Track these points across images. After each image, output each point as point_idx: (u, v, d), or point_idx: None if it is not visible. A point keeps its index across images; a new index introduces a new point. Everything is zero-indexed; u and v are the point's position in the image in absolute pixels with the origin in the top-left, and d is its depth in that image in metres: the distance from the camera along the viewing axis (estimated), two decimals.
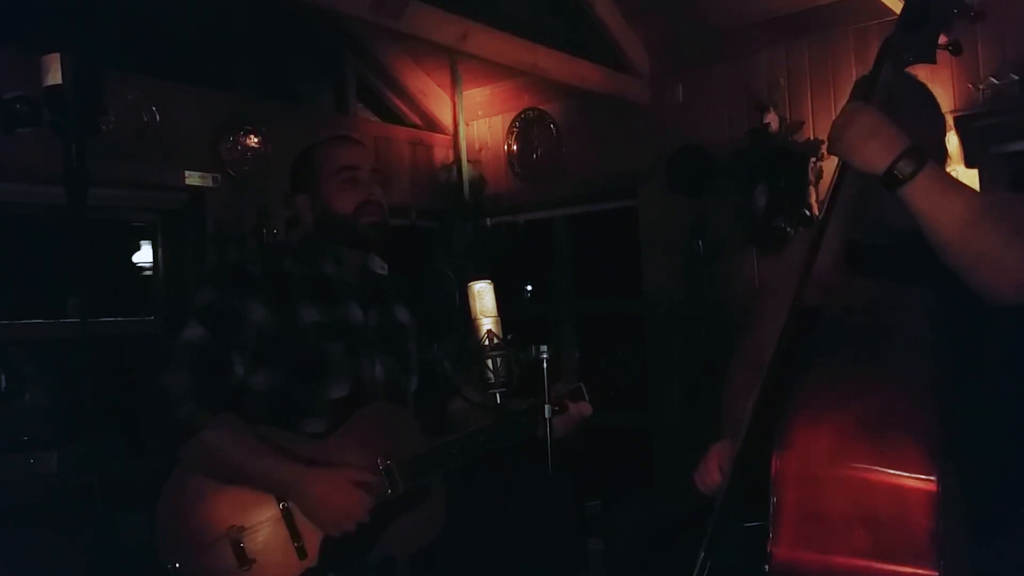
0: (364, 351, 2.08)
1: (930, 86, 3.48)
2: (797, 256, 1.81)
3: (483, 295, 2.03)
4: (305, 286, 2.05)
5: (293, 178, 2.20)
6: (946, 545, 1.28)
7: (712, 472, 1.71)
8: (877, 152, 1.45)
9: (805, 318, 1.48)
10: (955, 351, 1.45)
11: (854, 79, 3.67)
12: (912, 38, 1.49)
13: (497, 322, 2.03)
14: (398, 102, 4.96)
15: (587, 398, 2.11)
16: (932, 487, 1.29)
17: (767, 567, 1.34)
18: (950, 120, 3.49)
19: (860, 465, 1.34)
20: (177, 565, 1.87)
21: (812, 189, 3.79)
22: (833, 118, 1.56)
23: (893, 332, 1.51)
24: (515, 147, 4.87)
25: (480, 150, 5.03)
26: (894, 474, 1.31)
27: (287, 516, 1.90)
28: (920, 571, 1.28)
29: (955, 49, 1.51)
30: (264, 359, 1.97)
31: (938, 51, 1.50)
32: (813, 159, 3.78)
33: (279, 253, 2.18)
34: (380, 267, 2.17)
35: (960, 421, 1.35)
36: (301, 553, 1.90)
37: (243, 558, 1.87)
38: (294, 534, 1.90)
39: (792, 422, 1.38)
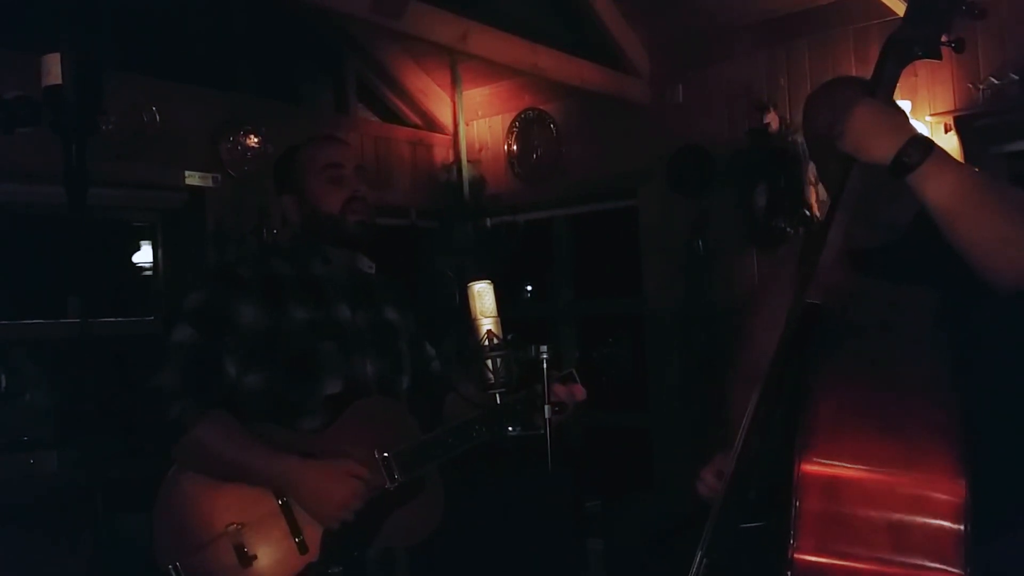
0: (355, 350, 2.08)
1: (930, 86, 3.52)
2: (788, 261, 1.82)
3: (483, 295, 2.02)
4: (295, 286, 2.06)
5: (278, 179, 2.20)
6: (972, 547, 1.27)
7: (709, 479, 1.70)
8: (884, 141, 1.45)
9: (808, 317, 1.48)
10: (960, 350, 1.45)
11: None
12: (917, 34, 1.50)
13: (497, 322, 2.02)
14: (398, 102, 4.96)
15: (579, 381, 2.11)
16: (961, 490, 1.27)
17: (789, 574, 1.33)
18: (950, 120, 3.50)
19: (887, 469, 1.31)
20: (177, 566, 1.86)
21: (812, 189, 3.79)
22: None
23: (902, 332, 1.50)
24: (515, 147, 4.87)
25: (480, 150, 5.03)
26: (922, 477, 1.29)
27: (286, 511, 1.90)
28: (947, 574, 1.27)
29: (958, 46, 1.51)
30: (256, 359, 1.97)
31: (942, 48, 1.50)
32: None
33: (268, 254, 2.18)
34: (368, 266, 2.17)
35: (968, 420, 1.35)
36: (302, 548, 1.90)
37: (243, 556, 1.87)
38: (294, 529, 1.90)
39: (813, 425, 1.36)
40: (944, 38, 1.49)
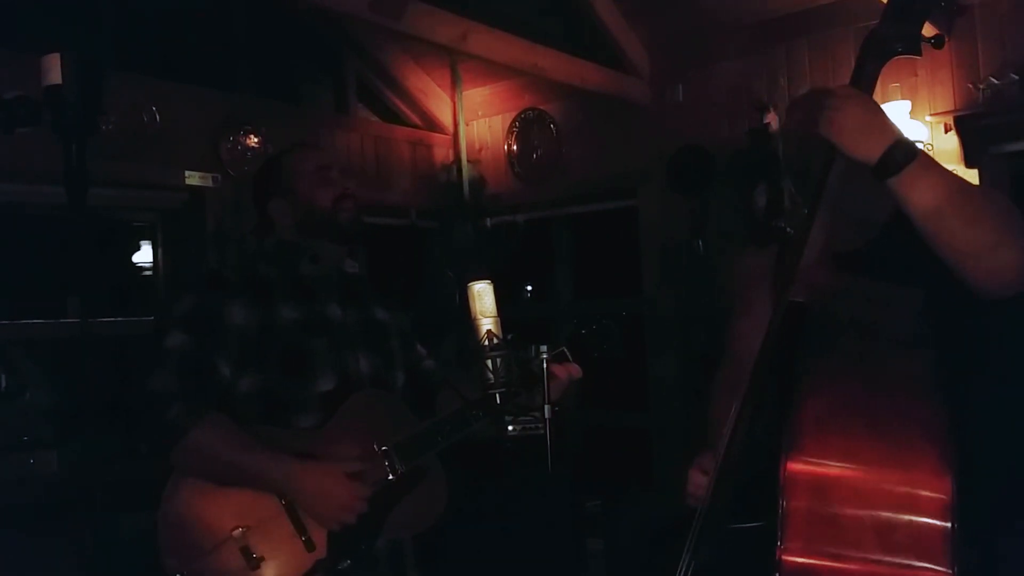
0: (347, 347, 2.10)
1: (930, 86, 3.52)
2: (770, 264, 1.81)
3: (483, 295, 2.02)
4: (283, 287, 2.08)
5: (263, 186, 2.23)
6: (958, 545, 1.27)
7: (695, 484, 1.69)
8: (871, 140, 1.44)
9: (792, 316, 1.48)
10: (946, 348, 1.44)
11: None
12: (897, 30, 1.50)
13: (497, 322, 2.02)
14: (398, 102, 4.96)
15: (571, 359, 2.11)
16: (947, 488, 1.27)
17: (777, 574, 1.33)
18: (950, 120, 3.49)
19: (872, 468, 1.32)
20: (185, 574, 1.86)
21: None
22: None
23: (887, 331, 1.51)
24: (515, 147, 4.87)
25: (480, 150, 5.03)
26: (908, 476, 1.30)
27: (290, 510, 1.90)
28: (934, 573, 1.27)
29: (937, 43, 1.51)
30: (249, 360, 1.98)
31: (923, 45, 1.50)
32: None
33: (254, 259, 2.19)
34: (351, 267, 2.22)
35: (954, 418, 1.35)
36: (309, 546, 1.90)
37: (251, 558, 1.87)
38: (299, 527, 1.90)
39: (799, 425, 1.36)
40: (926, 33, 1.49)
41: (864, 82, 1.52)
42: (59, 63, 1.65)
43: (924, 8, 1.49)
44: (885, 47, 1.51)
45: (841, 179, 1.52)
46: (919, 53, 1.50)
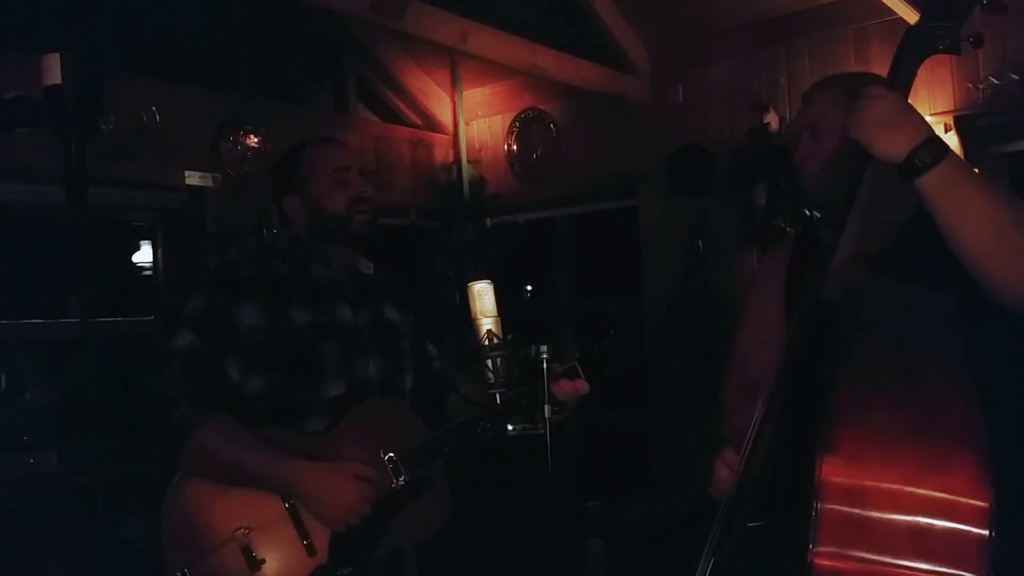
0: (357, 351, 2.09)
1: (930, 86, 3.52)
2: (776, 267, 1.79)
3: (483, 295, 2.02)
4: (295, 288, 2.06)
5: (279, 181, 2.19)
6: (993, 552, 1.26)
7: (721, 478, 1.68)
8: (898, 138, 1.42)
9: (819, 317, 1.46)
10: (978, 353, 1.42)
11: None
12: (937, 28, 1.47)
13: (497, 322, 2.03)
14: (398, 102, 4.96)
15: (582, 376, 2.10)
16: (986, 495, 1.25)
17: None
18: (950, 120, 3.49)
19: (909, 473, 1.29)
20: (186, 572, 1.86)
21: None
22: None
23: (921, 334, 1.47)
24: (515, 147, 4.87)
25: (480, 150, 5.03)
26: (945, 482, 1.27)
27: (294, 514, 1.90)
28: None
29: (977, 42, 1.49)
30: (259, 362, 1.97)
31: (961, 43, 1.48)
32: None
33: (268, 256, 2.18)
34: (366, 267, 2.19)
35: (989, 423, 1.33)
36: (310, 550, 1.90)
37: (252, 560, 1.87)
38: (302, 531, 1.90)
39: (835, 427, 1.33)
40: (964, 32, 1.48)
41: (900, 80, 1.49)
42: (59, 63, 1.65)
43: (966, 5, 1.46)
44: (925, 44, 1.48)
45: (881, 182, 1.50)
46: (959, 52, 1.47)
